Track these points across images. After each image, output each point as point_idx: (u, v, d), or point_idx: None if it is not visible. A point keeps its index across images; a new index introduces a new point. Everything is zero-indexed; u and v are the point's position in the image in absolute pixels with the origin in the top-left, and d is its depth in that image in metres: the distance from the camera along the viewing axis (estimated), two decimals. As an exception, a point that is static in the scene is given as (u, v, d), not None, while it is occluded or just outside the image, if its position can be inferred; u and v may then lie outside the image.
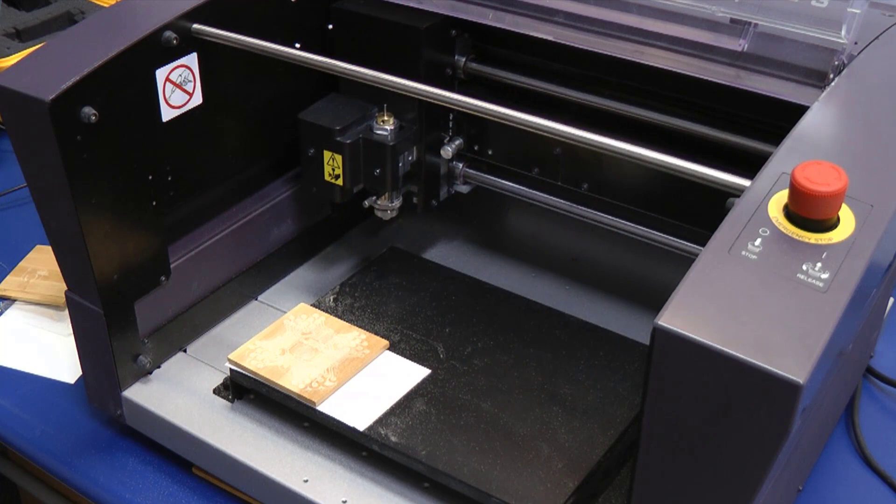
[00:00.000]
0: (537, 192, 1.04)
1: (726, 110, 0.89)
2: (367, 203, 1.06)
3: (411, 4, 0.98)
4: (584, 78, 0.97)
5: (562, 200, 1.03)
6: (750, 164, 0.75)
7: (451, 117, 1.05)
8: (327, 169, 1.00)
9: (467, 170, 1.09)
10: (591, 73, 0.96)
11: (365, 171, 1.01)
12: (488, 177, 1.08)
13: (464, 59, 1.02)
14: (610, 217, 1.00)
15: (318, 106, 1.02)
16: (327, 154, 0.99)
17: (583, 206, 1.01)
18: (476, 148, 1.08)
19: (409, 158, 1.02)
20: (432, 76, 1.00)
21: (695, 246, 0.91)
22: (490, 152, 1.07)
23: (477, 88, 1.04)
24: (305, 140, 1.00)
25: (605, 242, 1.11)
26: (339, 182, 1.00)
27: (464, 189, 1.11)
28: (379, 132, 0.99)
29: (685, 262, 0.62)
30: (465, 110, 0.84)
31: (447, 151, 1.05)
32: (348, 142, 0.98)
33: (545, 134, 0.78)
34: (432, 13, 0.98)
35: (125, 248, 0.90)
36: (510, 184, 1.06)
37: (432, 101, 0.86)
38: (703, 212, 0.75)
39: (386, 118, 0.99)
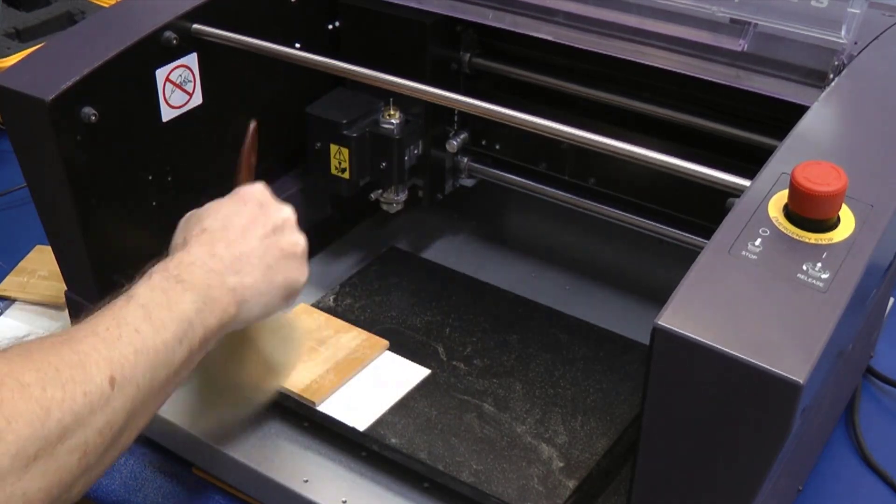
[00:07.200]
0: (544, 186, 1.05)
1: (730, 105, 0.90)
2: (373, 196, 1.06)
3: (411, 4, 0.98)
4: (590, 73, 0.97)
5: (569, 195, 1.03)
6: (755, 158, 0.75)
7: (455, 112, 1.06)
8: (334, 162, 1.00)
9: (472, 164, 1.09)
10: (596, 69, 0.96)
11: (371, 165, 1.02)
12: (494, 171, 1.08)
13: (469, 55, 1.03)
14: (618, 211, 1.00)
15: (325, 100, 1.03)
16: (334, 148, 1.00)
17: (590, 201, 1.02)
18: (484, 143, 1.08)
19: (415, 152, 1.03)
20: (438, 71, 1.01)
21: (704, 240, 0.92)
22: (497, 147, 1.07)
23: (482, 83, 1.04)
24: (312, 134, 1.01)
25: (606, 242, 1.11)
26: (346, 175, 1.01)
27: (468, 183, 1.11)
28: (385, 126, 1.00)
29: (686, 262, 0.62)
30: (466, 110, 0.84)
31: (452, 145, 1.06)
32: (355, 135, 0.99)
33: (547, 134, 0.79)
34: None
35: (125, 249, 0.90)
36: (516, 178, 1.07)
37: (433, 101, 0.87)
38: (712, 206, 0.75)
39: (392, 112, 1.00)
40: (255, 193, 0.78)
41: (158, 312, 0.65)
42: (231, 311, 0.70)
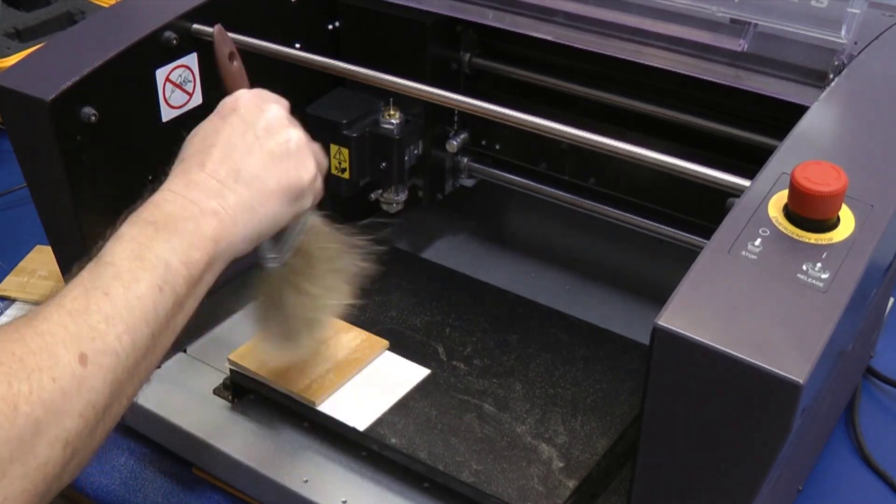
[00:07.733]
0: (544, 186, 1.05)
1: (730, 105, 0.90)
2: (373, 196, 1.06)
3: (411, 4, 0.98)
4: (590, 73, 0.97)
5: (569, 195, 1.03)
6: (755, 158, 0.75)
7: (455, 112, 1.06)
8: (334, 162, 1.01)
9: (472, 164, 1.09)
10: (596, 69, 0.96)
11: (371, 165, 1.02)
12: (494, 171, 1.09)
13: (469, 55, 1.03)
14: (618, 211, 1.00)
15: (325, 100, 1.03)
16: (334, 148, 1.00)
17: (590, 201, 1.02)
18: (484, 143, 1.08)
19: (415, 152, 1.03)
20: (438, 71, 1.01)
21: (704, 240, 0.92)
22: (497, 147, 1.08)
23: (482, 83, 1.05)
24: (312, 134, 1.00)
25: (606, 241, 1.11)
26: (346, 175, 1.01)
27: (468, 183, 1.11)
28: (385, 126, 1.00)
29: (686, 262, 0.62)
30: (466, 110, 0.84)
31: (452, 145, 1.06)
32: (355, 135, 0.99)
33: (547, 134, 0.79)
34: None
35: (125, 248, 0.90)
36: (516, 178, 1.07)
37: (433, 101, 0.87)
38: (712, 206, 0.75)
39: (392, 112, 1.00)
40: (236, 103, 0.72)
41: (129, 265, 0.59)
42: (224, 235, 0.65)
